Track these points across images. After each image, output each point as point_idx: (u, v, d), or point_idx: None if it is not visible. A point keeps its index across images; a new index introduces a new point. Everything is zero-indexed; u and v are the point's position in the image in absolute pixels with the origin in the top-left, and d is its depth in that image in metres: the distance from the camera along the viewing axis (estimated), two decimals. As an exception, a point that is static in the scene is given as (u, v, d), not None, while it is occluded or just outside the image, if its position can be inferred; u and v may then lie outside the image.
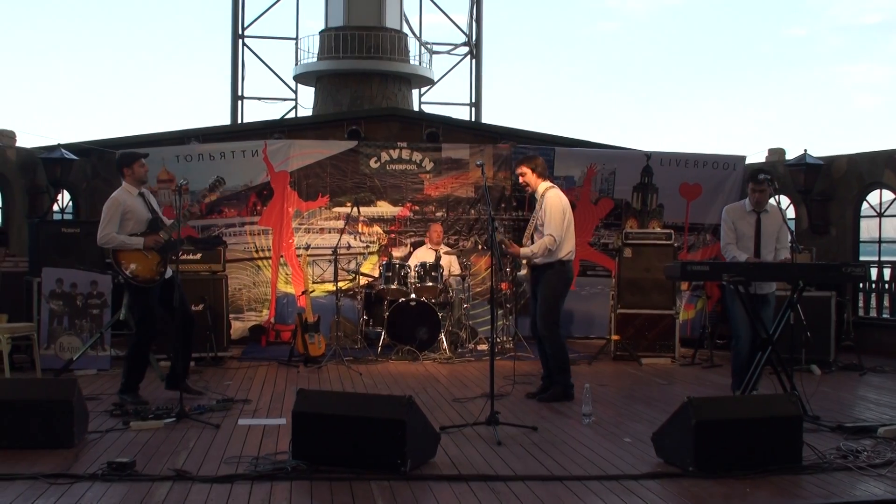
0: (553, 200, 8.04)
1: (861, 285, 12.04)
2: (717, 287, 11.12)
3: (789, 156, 13.10)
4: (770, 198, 7.84)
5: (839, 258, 11.78)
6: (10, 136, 12.56)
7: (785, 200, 12.94)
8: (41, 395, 6.19)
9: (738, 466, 5.53)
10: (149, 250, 7.67)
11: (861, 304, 12.26)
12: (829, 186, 12.64)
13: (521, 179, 8.27)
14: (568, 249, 8.10)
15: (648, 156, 12.85)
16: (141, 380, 7.89)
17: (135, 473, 5.41)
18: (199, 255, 10.45)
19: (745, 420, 5.68)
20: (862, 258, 12.36)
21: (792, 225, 12.73)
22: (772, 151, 13.62)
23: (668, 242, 11.04)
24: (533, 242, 8.15)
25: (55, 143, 12.64)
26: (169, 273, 7.89)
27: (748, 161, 12.98)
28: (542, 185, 8.21)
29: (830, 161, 12.65)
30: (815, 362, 9.81)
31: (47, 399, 6.12)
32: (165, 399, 7.73)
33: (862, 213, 12.53)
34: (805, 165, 12.48)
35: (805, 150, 12.63)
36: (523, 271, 8.39)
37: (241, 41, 22.83)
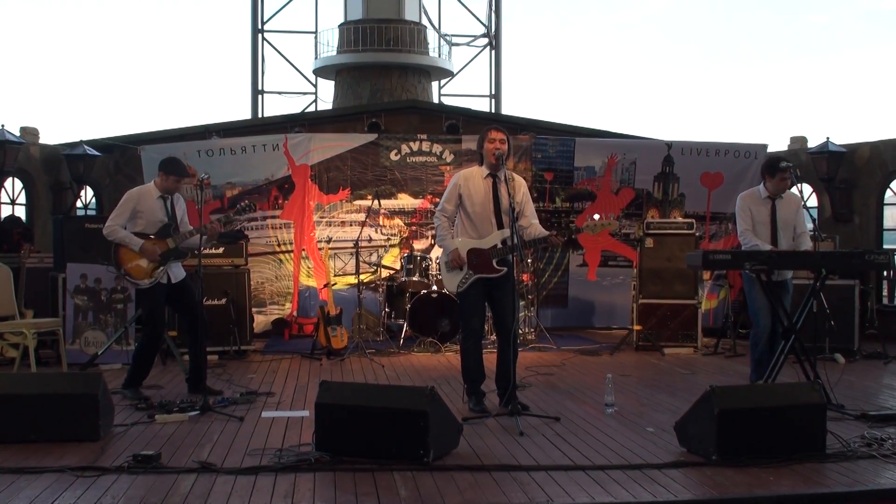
0: (526, 186, 7.47)
1: (885, 273, 11.96)
2: (740, 276, 11.08)
3: (811, 143, 13.03)
4: (792, 187, 7.77)
5: (862, 246, 11.70)
6: (34, 133, 12.67)
7: (808, 189, 12.88)
8: (67, 389, 6.24)
9: (762, 455, 5.51)
10: (144, 255, 7.65)
11: (885, 292, 12.18)
12: (852, 174, 12.56)
13: (502, 147, 7.13)
14: None
15: (669, 145, 12.78)
16: (145, 377, 7.92)
17: (160, 466, 5.45)
18: (221, 250, 10.49)
19: (768, 409, 5.66)
20: (886, 246, 12.28)
21: (815, 213, 12.66)
22: (794, 139, 13.55)
23: (690, 232, 11.00)
24: (501, 227, 7.20)
25: (78, 139, 12.76)
26: (181, 276, 7.93)
27: (770, 149, 12.90)
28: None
29: (853, 149, 12.57)
30: (839, 351, 9.76)
31: (73, 393, 6.18)
32: (190, 392, 7.79)
33: (885, 201, 12.45)
34: (827, 153, 12.41)
35: (827, 138, 12.55)
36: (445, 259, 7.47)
37: (260, 36, 22.94)
